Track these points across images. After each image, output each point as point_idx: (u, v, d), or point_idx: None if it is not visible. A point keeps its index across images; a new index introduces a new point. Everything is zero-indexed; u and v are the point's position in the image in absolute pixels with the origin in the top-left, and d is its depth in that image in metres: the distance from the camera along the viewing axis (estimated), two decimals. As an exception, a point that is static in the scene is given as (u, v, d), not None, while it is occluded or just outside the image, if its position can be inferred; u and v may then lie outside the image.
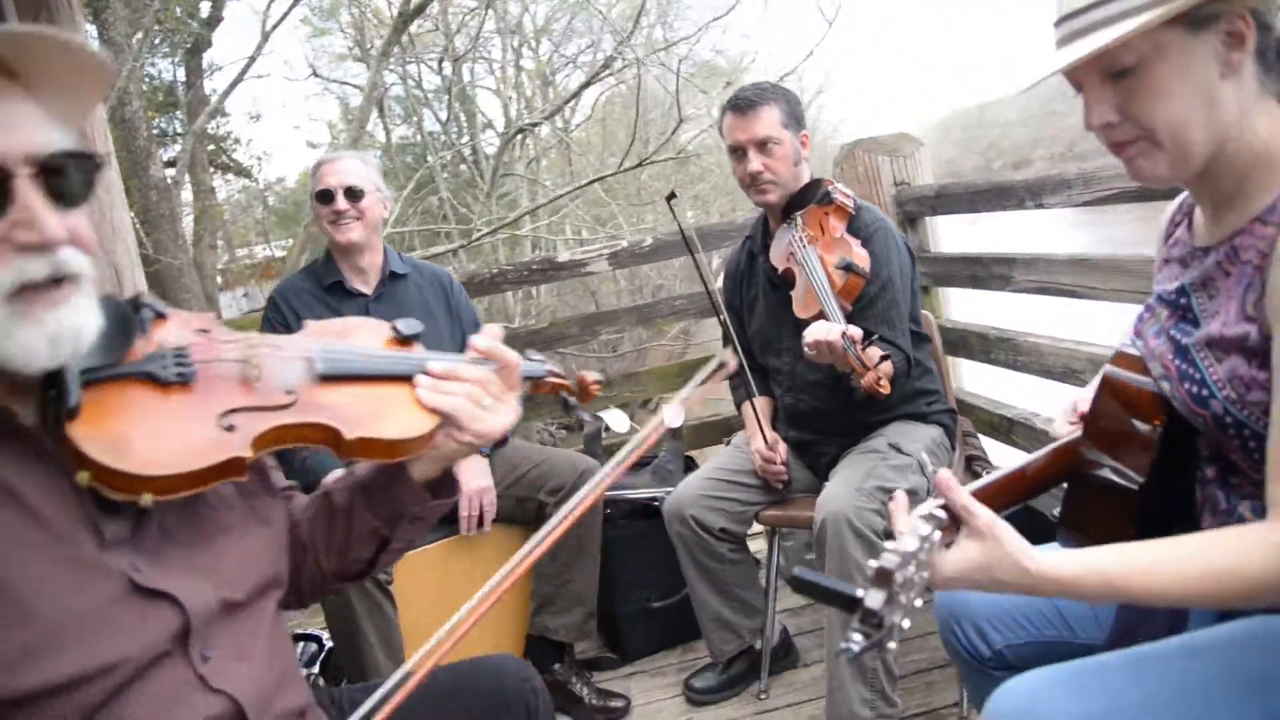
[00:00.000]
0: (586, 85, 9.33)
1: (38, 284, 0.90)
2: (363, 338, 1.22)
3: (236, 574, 1.08)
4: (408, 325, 1.23)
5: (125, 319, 1.03)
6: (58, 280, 0.91)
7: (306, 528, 1.27)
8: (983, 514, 1.05)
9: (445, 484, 1.25)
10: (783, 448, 2.45)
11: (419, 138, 12.57)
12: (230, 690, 1.02)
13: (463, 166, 11.42)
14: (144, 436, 0.96)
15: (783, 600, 2.82)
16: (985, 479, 1.21)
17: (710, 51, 10.89)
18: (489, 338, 1.21)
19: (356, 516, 1.24)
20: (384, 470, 1.22)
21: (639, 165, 6.32)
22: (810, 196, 2.38)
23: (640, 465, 3.14)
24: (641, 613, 2.85)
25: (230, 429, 1.01)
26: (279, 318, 2.53)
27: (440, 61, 12.41)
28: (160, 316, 1.09)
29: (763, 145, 2.34)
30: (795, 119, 2.37)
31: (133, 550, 0.99)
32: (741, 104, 2.35)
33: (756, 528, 2.59)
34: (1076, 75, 1.10)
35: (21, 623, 0.89)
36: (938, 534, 1.04)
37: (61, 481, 0.95)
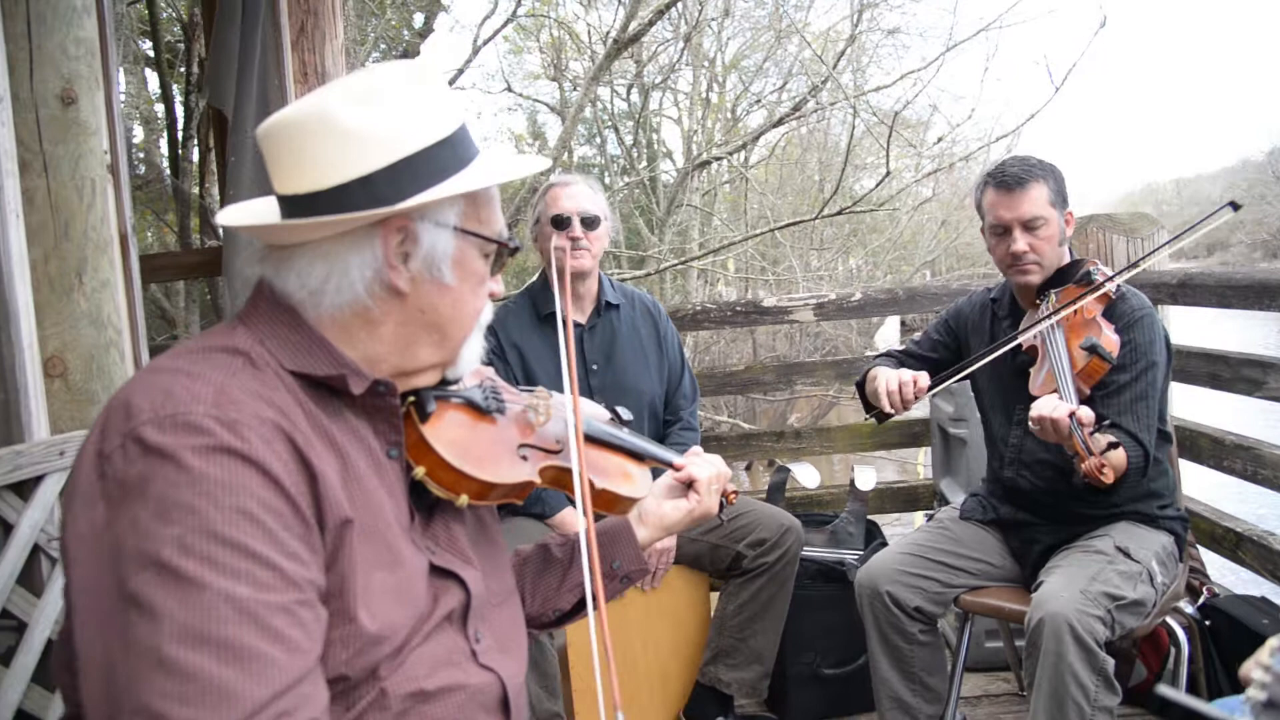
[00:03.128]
0: (779, 123, 9.31)
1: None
2: (594, 411, 1.46)
3: (494, 574, 1.23)
4: (625, 412, 1.49)
5: None
6: None
7: (519, 569, 1.40)
8: None
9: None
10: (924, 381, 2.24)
11: (600, 159, 12.85)
12: (497, 669, 1.13)
13: (638, 193, 11.59)
14: (472, 446, 1.15)
15: (963, 688, 2.67)
16: None
17: (926, 107, 10.57)
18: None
19: (574, 568, 1.38)
20: (614, 531, 1.40)
21: (840, 213, 6.24)
22: (1069, 276, 2.25)
23: (820, 524, 3.06)
24: (811, 677, 2.75)
25: (525, 458, 1.21)
26: (494, 345, 2.48)
27: (629, 89, 12.69)
28: None
29: (1029, 225, 2.19)
30: (1061, 197, 2.23)
31: (429, 537, 1.14)
32: (1009, 180, 2.20)
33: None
34: None
35: (393, 567, 1.04)
36: None
37: (398, 466, 1.11)
